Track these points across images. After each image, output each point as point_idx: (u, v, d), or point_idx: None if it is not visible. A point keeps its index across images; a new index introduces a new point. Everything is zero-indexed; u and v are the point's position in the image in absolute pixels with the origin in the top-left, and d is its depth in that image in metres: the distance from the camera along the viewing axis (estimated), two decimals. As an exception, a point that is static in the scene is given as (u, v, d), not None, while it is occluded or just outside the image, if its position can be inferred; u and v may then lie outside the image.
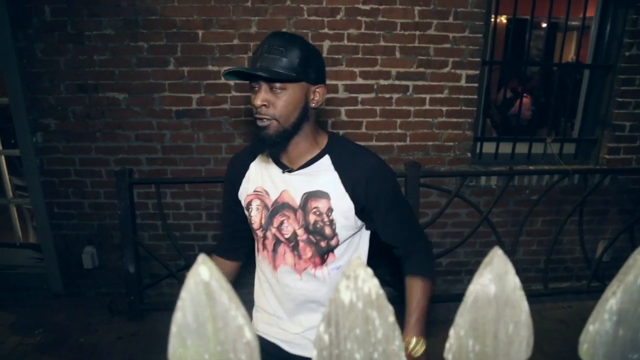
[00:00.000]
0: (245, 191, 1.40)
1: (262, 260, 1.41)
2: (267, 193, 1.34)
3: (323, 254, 1.30)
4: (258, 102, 1.17)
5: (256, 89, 1.19)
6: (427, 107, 2.97)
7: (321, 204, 1.26)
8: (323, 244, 1.29)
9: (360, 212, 1.28)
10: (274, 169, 1.33)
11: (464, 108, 2.99)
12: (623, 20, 2.99)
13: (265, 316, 1.46)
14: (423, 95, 2.95)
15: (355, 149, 1.33)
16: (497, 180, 3.11)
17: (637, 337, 0.58)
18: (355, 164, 1.27)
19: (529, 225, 3.23)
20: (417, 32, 2.83)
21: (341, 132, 2.96)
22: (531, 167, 3.13)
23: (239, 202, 1.42)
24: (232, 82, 2.84)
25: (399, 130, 2.99)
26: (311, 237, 1.29)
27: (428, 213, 3.14)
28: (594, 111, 3.23)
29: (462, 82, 2.94)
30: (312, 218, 1.27)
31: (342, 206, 1.26)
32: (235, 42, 2.79)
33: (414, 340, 1.36)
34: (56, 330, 2.91)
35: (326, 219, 1.26)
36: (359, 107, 2.94)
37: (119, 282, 3.11)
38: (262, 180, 1.36)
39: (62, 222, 3.09)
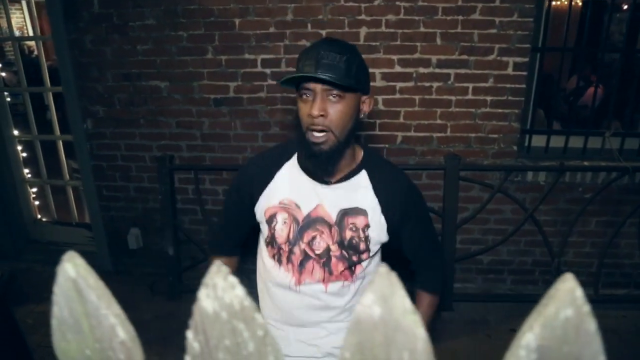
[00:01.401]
0: (266, 203, 1.30)
1: (280, 274, 1.31)
2: (297, 206, 1.26)
3: (352, 267, 1.28)
4: (316, 111, 1.11)
5: (308, 97, 1.14)
6: (469, 96, 2.81)
7: (358, 221, 1.24)
8: (355, 258, 1.26)
9: (390, 230, 1.28)
10: (307, 181, 1.26)
11: (510, 98, 2.80)
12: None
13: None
14: (465, 84, 2.79)
15: (389, 166, 1.33)
16: (546, 176, 2.90)
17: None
18: (390, 183, 1.27)
19: (581, 226, 2.99)
20: (460, 17, 2.68)
21: (378, 122, 2.88)
22: (585, 163, 2.89)
23: (252, 211, 1.34)
24: (268, 71, 2.84)
25: (439, 121, 2.86)
26: (344, 252, 1.25)
27: (469, 208, 3.00)
28: (663, 102, 2.92)
29: (509, 70, 2.75)
30: (348, 234, 1.24)
31: (378, 223, 1.25)
32: (272, 30, 2.78)
33: None
34: (102, 305, 3.09)
35: (362, 235, 1.24)
36: (397, 96, 2.83)
37: (162, 264, 3.24)
38: (290, 192, 1.27)
39: (110, 204, 3.27)
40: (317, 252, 1.25)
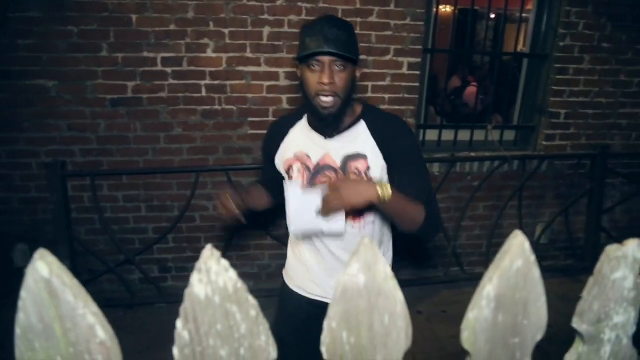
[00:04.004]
0: (284, 156, 1.55)
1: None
2: (308, 157, 1.49)
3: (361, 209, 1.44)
4: (327, 79, 1.32)
5: (316, 68, 1.34)
6: (369, 94, 2.97)
7: (360, 164, 1.43)
8: None
9: (389, 168, 1.45)
10: (315, 136, 1.48)
11: (406, 96, 3.00)
12: (558, 11, 3.07)
13: (300, 276, 1.64)
14: (365, 83, 2.94)
15: (386, 114, 1.51)
16: (439, 167, 3.16)
17: (517, 322, 0.58)
18: (385, 127, 1.45)
19: (471, 211, 3.31)
20: (359, 19, 2.82)
21: (284, 120, 2.92)
22: (473, 154, 3.20)
23: (274, 165, 1.62)
24: (169, 70, 2.74)
25: (342, 119, 2.98)
26: None
27: (373, 201, 3.15)
28: (532, 99, 3.33)
29: (404, 70, 2.96)
30: (352, 177, 1.44)
31: (377, 165, 1.43)
32: (172, 27, 2.68)
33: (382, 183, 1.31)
34: (-14, 332, 2.75)
35: (365, 178, 1.43)
36: (300, 95, 2.89)
37: (55, 279, 2.96)
38: (302, 146, 1.51)
39: (-10, 218, 2.92)
40: None
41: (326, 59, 1.32)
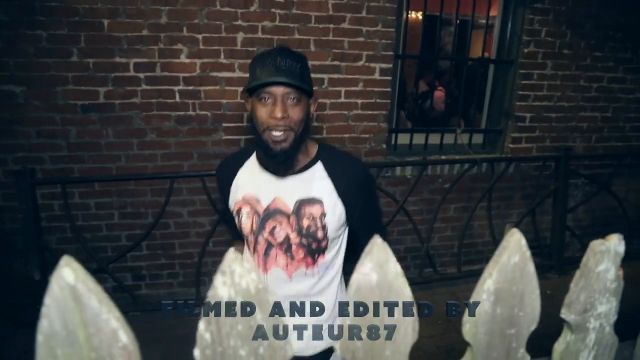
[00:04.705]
0: (233, 198, 1.42)
1: (254, 263, 1.44)
2: (257, 200, 1.36)
3: (314, 254, 1.35)
4: (280, 114, 1.18)
5: (267, 101, 1.21)
6: (342, 99, 3.02)
7: (315, 210, 1.31)
8: (314, 245, 1.34)
9: (348, 214, 1.36)
10: (265, 176, 1.35)
11: (378, 101, 3.07)
12: (522, 19, 3.21)
13: None
14: (338, 88, 2.99)
15: (345, 155, 1.41)
16: (411, 170, 3.23)
17: (513, 314, 0.62)
18: (346, 169, 1.35)
19: (442, 213, 3.40)
20: (332, 26, 2.86)
21: (259, 125, 2.93)
22: (443, 157, 3.29)
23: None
24: (141, 75, 2.71)
25: (315, 123, 3.02)
26: (303, 239, 1.33)
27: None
28: (498, 103, 3.45)
29: (376, 75, 3.02)
30: (305, 223, 1.31)
31: (335, 211, 1.32)
32: (145, 32, 2.66)
33: None
34: (-50, 347, 2.65)
35: (319, 224, 1.31)
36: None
37: (25, 291, 2.87)
38: (250, 187, 1.38)
39: (-47, 228, 2.81)
40: (279, 240, 1.34)
41: (279, 90, 1.19)
